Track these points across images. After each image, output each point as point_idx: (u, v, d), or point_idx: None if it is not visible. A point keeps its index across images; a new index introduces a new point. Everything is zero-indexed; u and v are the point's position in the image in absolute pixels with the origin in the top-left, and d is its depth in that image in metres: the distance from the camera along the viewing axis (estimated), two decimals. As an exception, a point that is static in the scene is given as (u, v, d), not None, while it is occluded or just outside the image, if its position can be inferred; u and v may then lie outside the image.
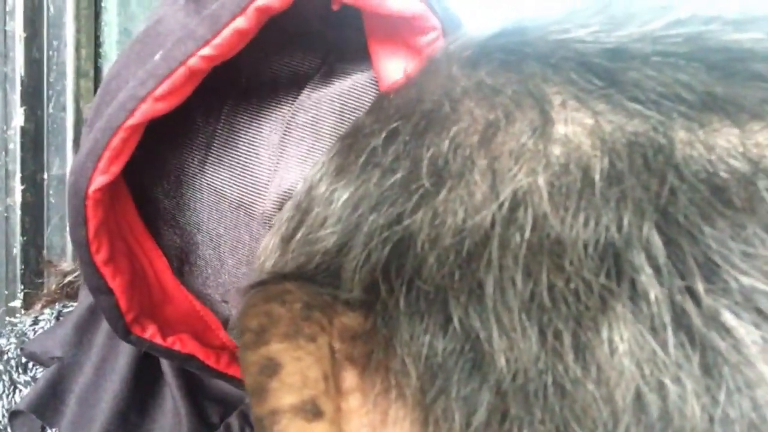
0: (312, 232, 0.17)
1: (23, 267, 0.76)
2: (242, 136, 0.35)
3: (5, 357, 0.41)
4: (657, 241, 0.12)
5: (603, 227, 0.13)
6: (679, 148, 0.13)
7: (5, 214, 0.76)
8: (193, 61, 0.29)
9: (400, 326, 0.14)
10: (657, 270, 0.12)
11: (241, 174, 0.35)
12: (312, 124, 0.34)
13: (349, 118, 0.33)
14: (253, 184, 0.34)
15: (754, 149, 0.12)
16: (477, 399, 0.13)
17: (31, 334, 0.43)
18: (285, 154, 0.34)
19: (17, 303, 0.76)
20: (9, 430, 0.39)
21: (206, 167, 0.36)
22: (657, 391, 0.12)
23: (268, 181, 0.34)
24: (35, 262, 0.77)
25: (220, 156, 0.35)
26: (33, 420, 0.38)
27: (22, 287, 0.76)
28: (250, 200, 0.34)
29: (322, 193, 0.18)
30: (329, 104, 0.34)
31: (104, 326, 0.40)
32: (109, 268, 0.33)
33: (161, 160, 0.37)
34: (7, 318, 0.75)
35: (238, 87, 0.35)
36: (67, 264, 0.51)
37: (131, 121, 0.29)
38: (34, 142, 0.76)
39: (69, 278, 0.49)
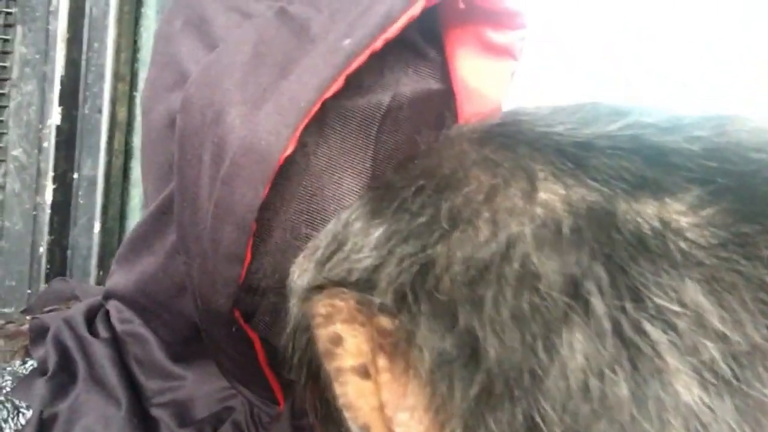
0: (350, 255, 0.23)
1: (48, 266, 0.75)
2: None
3: (4, 391, 0.42)
4: (603, 274, 0.18)
5: (569, 264, 0.18)
6: (620, 213, 0.18)
7: (34, 212, 0.76)
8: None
9: (420, 325, 0.19)
10: (602, 293, 0.17)
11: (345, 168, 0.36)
12: (394, 131, 0.36)
13: (422, 126, 0.36)
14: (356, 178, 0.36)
15: (665, 215, 0.18)
16: (472, 380, 0.18)
17: (23, 372, 0.44)
18: (378, 148, 0.36)
19: (40, 302, 0.75)
20: None
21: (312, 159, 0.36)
22: (598, 376, 0.17)
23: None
24: (60, 262, 0.76)
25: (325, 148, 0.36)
26: None
27: (46, 286, 0.75)
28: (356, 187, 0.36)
29: (359, 229, 0.23)
30: (409, 110, 0.36)
31: (80, 378, 0.41)
32: (251, 240, 0.33)
33: None
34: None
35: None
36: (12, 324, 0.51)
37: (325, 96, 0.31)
38: (67, 142, 0.76)
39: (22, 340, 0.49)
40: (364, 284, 0.22)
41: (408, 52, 0.36)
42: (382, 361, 0.21)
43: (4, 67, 0.77)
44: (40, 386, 0.40)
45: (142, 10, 0.82)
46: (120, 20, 0.77)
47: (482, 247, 0.19)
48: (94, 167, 0.76)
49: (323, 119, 0.34)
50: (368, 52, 0.32)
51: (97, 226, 0.76)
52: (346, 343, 0.21)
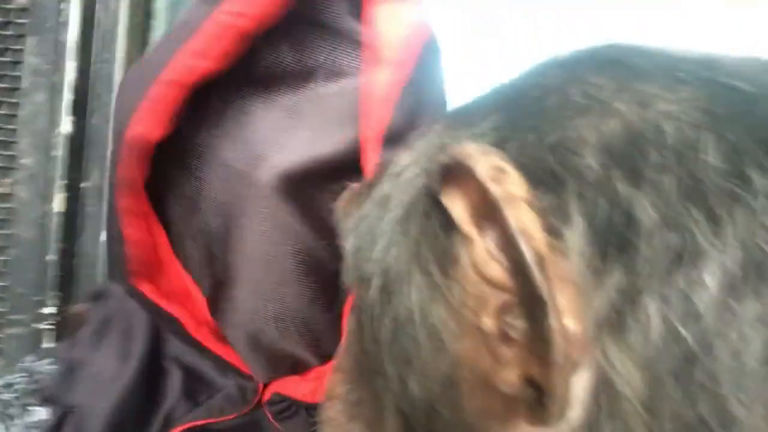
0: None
1: (56, 275, 0.76)
2: (250, 117, 0.39)
3: (13, 387, 0.43)
4: (761, 151, 0.17)
5: (728, 139, 0.17)
6: None
7: (41, 221, 0.77)
8: (222, 17, 0.35)
9: (567, 192, 0.18)
10: (763, 171, 0.16)
11: (246, 149, 0.38)
12: (316, 115, 0.38)
13: (349, 113, 0.37)
14: (255, 158, 0.38)
15: None
16: (624, 241, 0.17)
17: (37, 367, 0.44)
18: (288, 137, 0.38)
19: (46, 310, 0.75)
20: None
21: (217, 141, 0.39)
22: (759, 251, 0.16)
23: (270, 158, 0.38)
24: (69, 271, 0.77)
25: (229, 132, 0.39)
26: None
27: (53, 294, 0.76)
28: (252, 172, 0.38)
29: (460, 126, 0.22)
30: (331, 99, 0.38)
31: (112, 333, 0.43)
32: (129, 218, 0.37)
33: (183, 136, 0.40)
34: (33, 324, 0.75)
35: (253, 78, 0.39)
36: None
37: (170, 76, 0.35)
38: (76, 151, 0.77)
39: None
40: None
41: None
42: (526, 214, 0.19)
43: (15, 77, 0.78)
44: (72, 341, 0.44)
45: (152, 22, 0.83)
46: (129, 31, 0.78)
47: (630, 121, 0.18)
48: (101, 176, 0.77)
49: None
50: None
51: (103, 235, 0.77)
52: (512, 175, 0.18)
